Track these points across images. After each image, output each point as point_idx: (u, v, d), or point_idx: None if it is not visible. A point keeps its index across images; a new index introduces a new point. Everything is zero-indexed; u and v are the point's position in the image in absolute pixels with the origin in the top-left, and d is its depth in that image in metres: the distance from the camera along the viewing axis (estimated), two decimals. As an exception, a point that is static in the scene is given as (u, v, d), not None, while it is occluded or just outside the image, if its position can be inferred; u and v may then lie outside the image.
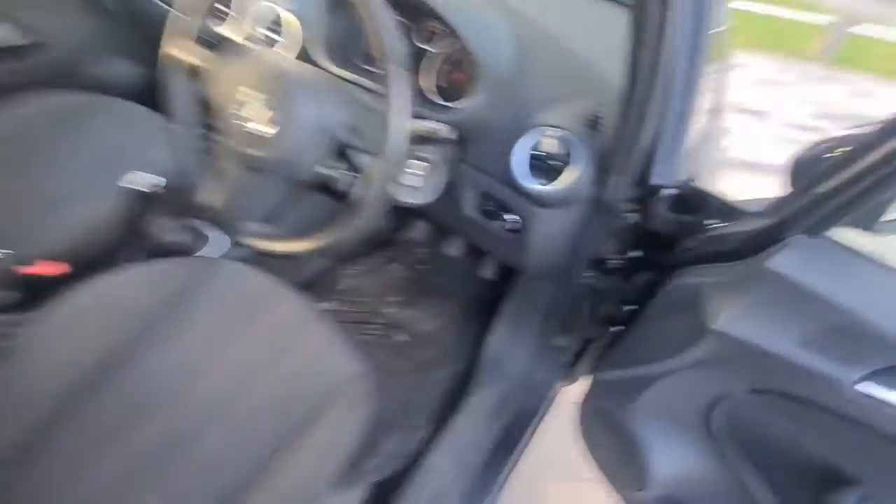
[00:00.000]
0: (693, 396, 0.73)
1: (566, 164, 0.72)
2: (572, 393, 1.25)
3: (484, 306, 1.40)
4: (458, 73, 0.84)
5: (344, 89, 0.64)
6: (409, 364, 1.24)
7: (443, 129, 0.60)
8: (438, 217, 1.34)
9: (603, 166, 0.71)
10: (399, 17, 0.87)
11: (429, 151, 0.69)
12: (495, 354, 1.15)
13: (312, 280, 1.40)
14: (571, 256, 0.91)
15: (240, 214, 0.63)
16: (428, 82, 0.84)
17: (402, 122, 0.52)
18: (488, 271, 1.36)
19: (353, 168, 0.57)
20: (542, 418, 1.16)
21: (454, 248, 1.35)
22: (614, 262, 0.98)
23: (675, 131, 0.64)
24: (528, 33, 0.78)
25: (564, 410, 1.20)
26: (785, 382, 0.63)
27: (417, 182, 0.71)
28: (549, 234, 0.83)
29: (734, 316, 0.61)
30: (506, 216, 0.84)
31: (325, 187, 0.58)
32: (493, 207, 0.85)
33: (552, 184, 0.73)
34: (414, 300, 1.40)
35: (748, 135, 3.14)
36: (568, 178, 0.71)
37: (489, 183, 0.81)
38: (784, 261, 0.58)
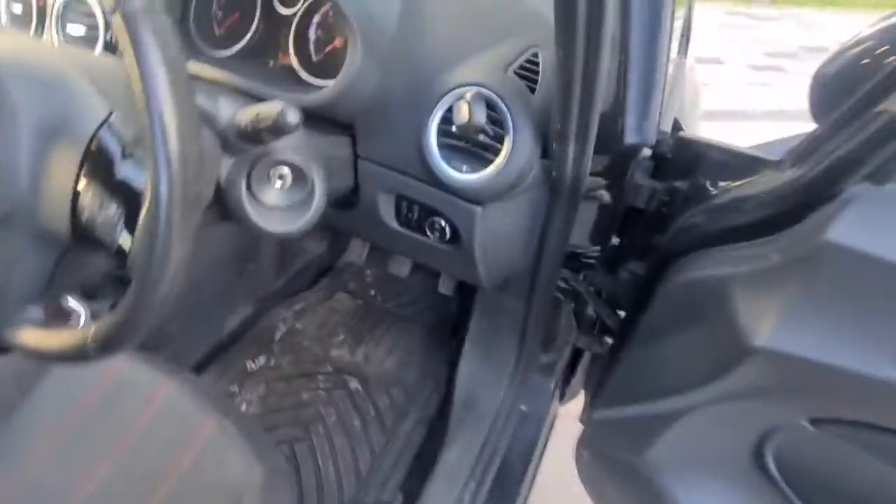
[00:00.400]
0: (734, 434, 0.51)
1: (498, 137, 0.50)
2: (571, 406, 1.04)
3: (448, 329, 1.18)
4: (335, 42, 0.60)
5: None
6: (367, 419, 1.01)
7: (282, 110, 0.37)
8: (364, 235, 1.11)
9: (550, 132, 0.48)
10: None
11: (290, 152, 0.46)
12: (468, 391, 0.92)
13: (240, 332, 1.15)
14: (535, 257, 0.69)
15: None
16: (295, 56, 0.61)
17: (163, 99, 0.29)
18: (447, 286, 1.14)
19: (128, 200, 0.33)
20: (540, 457, 0.94)
21: (402, 266, 1.12)
22: (590, 255, 0.76)
23: (649, 65, 0.42)
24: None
25: (565, 426, 0.99)
26: (871, 410, 0.41)
27: (281, 199, 0.48)
28: (496, 236, 0.60)
29: (786, 324, 0.39)
30: (435, 221, 0.61)
31: (90, 240, 0.35)
32: (416, 214, 0.62)
33: (483, 170, 0.51)
34: (364, 336, 1.16)
35: (709, 83, 2.98)
36: (503, 158, 0.49)
37: (401, 182, 0.58)
38: (851, 227, 0.37)
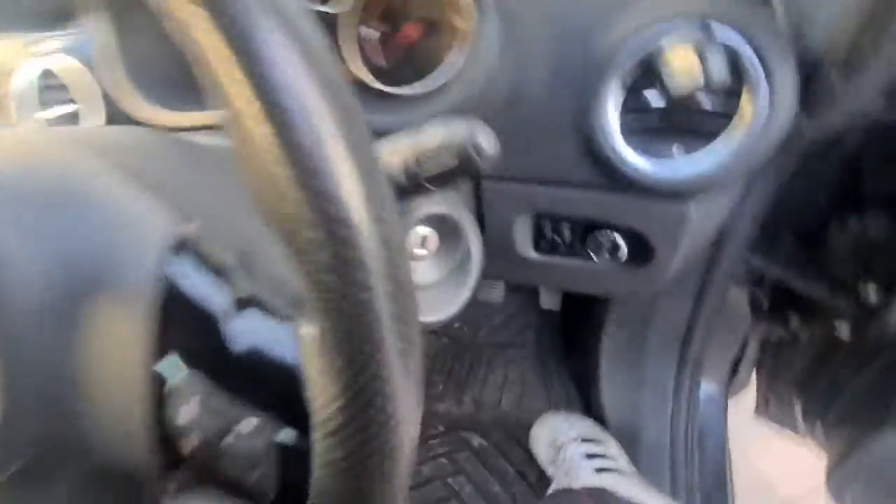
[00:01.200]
0: None
1: (732, 94, 0.32)
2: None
3: (559, 346, 1.01)
4: (406, 32, 0.44)
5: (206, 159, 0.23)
6: (508, 479, 0.84)
7: (472, 134, 0.21)
8: (484, 273, 0.93)
9: (826, 62, 0.30)
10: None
11: (433, 201, 0.29)
12: (627, 423, 0.76)
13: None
14: (713, 245, 0.51)
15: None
16: (363, 65, 0.44)
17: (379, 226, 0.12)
18: (551, 300, 0.97)
19: (283, 402, 0.17)
20: (730, 464, 0.77)
21: (495, 291, 0.95)
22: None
23: None
24: None
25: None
26: None
27: (430, 273, 0.31)
28: (704, 233, 0.43)
29: None
30: (601, 239, 0.44)
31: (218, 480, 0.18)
32: (567, 234, 0.45)
33: (708, 146, 0.33)
34: (465, 378, 0.99)
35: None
36: (756, 119, 0.31)
37: (548, 196, 0.41)
38: None
